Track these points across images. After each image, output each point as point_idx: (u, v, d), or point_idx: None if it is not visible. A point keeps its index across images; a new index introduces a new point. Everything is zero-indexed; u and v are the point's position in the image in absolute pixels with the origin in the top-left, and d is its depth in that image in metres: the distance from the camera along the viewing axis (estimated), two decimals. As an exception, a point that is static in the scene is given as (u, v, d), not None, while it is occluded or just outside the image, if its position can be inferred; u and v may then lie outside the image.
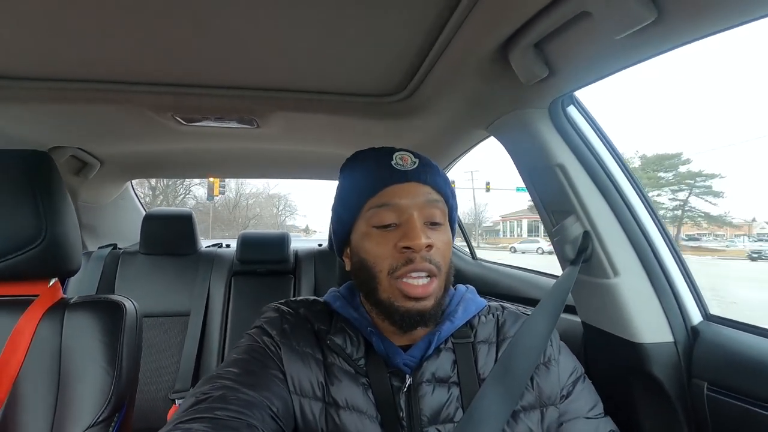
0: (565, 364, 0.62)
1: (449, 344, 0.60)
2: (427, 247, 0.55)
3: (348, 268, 0.64)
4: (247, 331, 0.63)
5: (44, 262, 0.76)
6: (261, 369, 0.55)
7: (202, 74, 0.83)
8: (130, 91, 0.88)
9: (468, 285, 0.69)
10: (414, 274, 0.55)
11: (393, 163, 0.60)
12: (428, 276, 0.55)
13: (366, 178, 0.60)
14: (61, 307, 0.79)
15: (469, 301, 0.65)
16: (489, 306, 0.67)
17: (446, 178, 0.64)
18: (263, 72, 0.83)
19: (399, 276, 0.55)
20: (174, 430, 0.44)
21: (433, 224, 0.59)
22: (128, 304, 0.84)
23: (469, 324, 0.63)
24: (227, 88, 0.88)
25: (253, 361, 0.56)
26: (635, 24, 0.46)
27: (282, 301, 0.67)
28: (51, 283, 0.82)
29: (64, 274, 0.82)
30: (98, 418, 0.72)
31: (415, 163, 0.60)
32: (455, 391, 0.57)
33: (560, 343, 0.64)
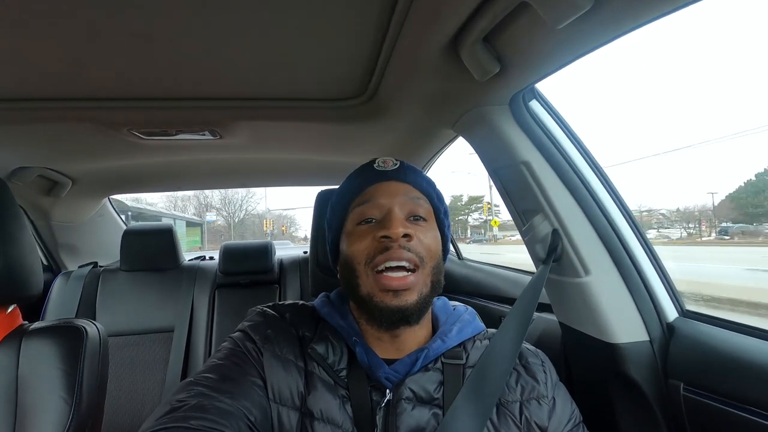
0: (563, 410, 0.57)
1: (438, 364, 0.57)
2: (405, 236, 0.54)
3: (338, 275, 0.63)
4: (230, 334, 0.61)
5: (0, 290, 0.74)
6: (240, 375, 0.53)
7: (155, 87, 0.81)
8: (85, 107, 0.86)
9: (468, 306, 0.67)
10: (392, 263, 0.53)
11: (375, 165, 0.62)
12: (408, 269, 0.54)
13: (350, 183, 0.63)
14: (18, 334, 0.76)
15: (466, 323, 0.62)
16: (486, 331, 0.64)
17: (430, 181, 0.63)
18: (218, 82, 0.80)
19: (376, 265, 0.54)
20: None
21: (416, 219, 0.58)
22: (90, 328, 0.81)
23: (463, 346, 0.60)
24: (182, 99, 0.86)
25: (233, 366, 0.54)
26: (573, 12, 0.43)
27: (270, 304, 0.65)
28: (9, 310, 0.80)
29: (23, 301, 0.80)
30: None
31: (396, 164, 0.62)
32: (438, 413, 0.54)
33: (556, 380, 0.60)
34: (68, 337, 0.77)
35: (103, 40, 0.62)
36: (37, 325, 0.79)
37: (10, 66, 0.69)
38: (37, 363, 0.74)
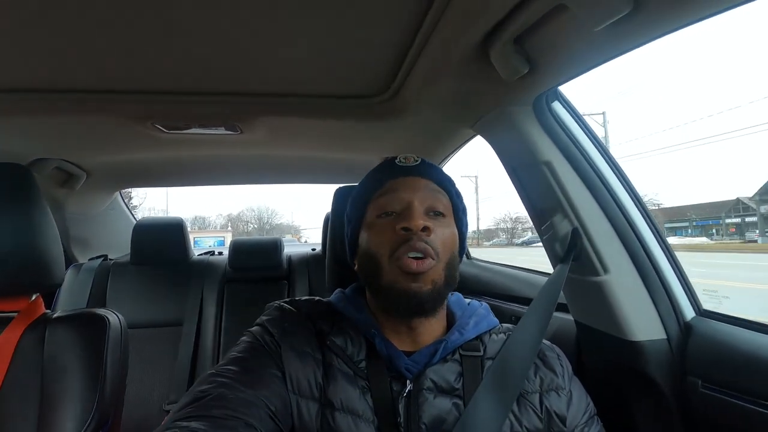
0: (579, 401, 0.59)
1: (456, 356, 0.58)
2: (424, 229, 0.55)
3: (356, 268, 0.64)
4: (248, 329, 0.62)
5: (25, 278, 0.74)
6: (260, 367, 0.54)
7: (180, 81, 0.82)
8: (108, 100, 0.87)
9: (482, 302, 0.68)
10: (411, 254, 0.54)
11: (397, 161, 0.63)
12: (424, 257, 0.55)
13: (372, 177, 0.65)
14: (42, 323, 0.77)
15: (482, 317, 0.64)
16: (501, 325, 0.66)
17: (450, 179, 0.65)
18: (243, 78, 0.81)
19: (398, 257, 0.55)
20: (172, 428, 0.44)
21: (436, 214, 0.59)
22: (112, 318, 0.82)
23: (480, 339, 0.62)
24: (206, 94, 0.87)
25: (252, 359, 0.56)
26: (612, 15, 0.44)
27: (286, 299, 0.66)
28: (33, 299, 0.81)
29: (46, 289, 0.80)
30: None
31: (417, 161, 0.63)
32: (459, 403, 0.55)
33: (572, 373, 0.62)
34: (92, 326, 0.78)
35: (128, 33, 0.63)
36: (60, 313, 0.80)
37: (34, 57, 0.70)
38: (62, 351, 0.75)
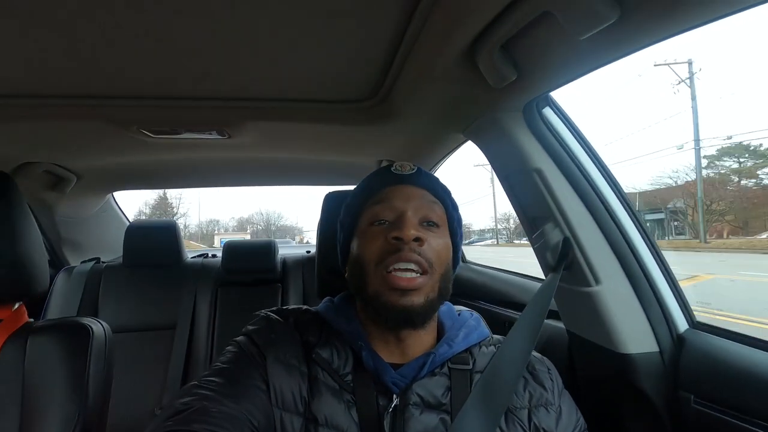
0: (568, 417, 0.58)
1: (445, 369, 0.57)
2: (416, 240, 0.53)
3: (346, 276, 0.62)
4: (234, 338, 0.61)
5: (6, 287, 0.73)
6: (244, 379, 0.53)
7: (166, 87, 0.80)
8: (94, 105, 0.85)
9: (473, 312, 0.67)
10: (401, 265, 0.53)
11: (392, 169, 0.62)
12: (417, 271, 0.53)
13: (366, 184, 0.63)
14: (24, 332, 0.75)
15: (472, 329, 0.62)
16: (491, 337, 0.64)
17: (446, 189, 0.63)
18: (230, 83, 0.80)
19: (386, 266, 0.53)
20: None
21: (430, 224, 0.58)
22: (96, 327, 0.81)
23: (469, 351, 0.60)
24: (193, 99, 0.85)
25: (236, 370, 0.54)
26: (598, 24, 0.43)
27: (273, 309, 0.65)
28: (15, 307, 0.79)
29: (29, 297, 0.79)
30: None
31: (413, 169, 0.62)
32: (446, 418, 0.54)
33: (562, 388, 0.60)
34: (75, 335, 0.77)
35: (115, 38, 0.62)
36: (43, 322, 0.79)
37: (21, 61, 0.69)
38: (44, 361, 0.73)
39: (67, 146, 1.14)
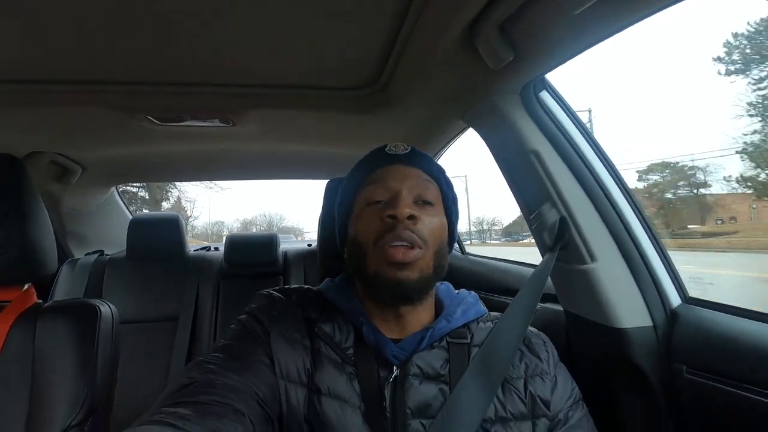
0: (563, 386, 0.59)
1: (443, 343, 0.59)
2: (410, 218, 0.55)
3: (345, 257, 0.64)
4: (237, 317, 0.62)
5: (16, 268, 0.75)
6: (248, 354, 0.55)
7: (172, 73, 0.82)
8: (102, 91, 0.87)
9: (471, 291, 0.68)
10: (396, 242, 0.54)
11: (387, 149, 0.63)
12: (411, 246, 0.55)
13: (361, 166, 0.64)
14: (33, 312, 0.77)
15: (470, 306, 0.64)
16: (489, 314, 0.66)
17: (440, 168, 0.64)
18: (233, 69, 0.82)
19: (383, 244, 0.55)
20: (158, 413, 0.44)
21: (425, 203, 0.59)
22: (104, 308, 0.82)
23: (467, 327, 0.62)
24: (198, 85, 0.87)
25: (240, 346, 0.56)
26: None
27: (275, 288, 0.66)
28: (24, 288, 0.81)
29: (38, 279, 0.81)
30: (71, 423, 0.70)
31: (407, 149, 0.63)
32: (445, 388, 0.56)
33: (557, 359, 0.62)
34: (83, 315, 0.78)
35: (121, 25, 0.63)
36: (51, 303, 0.80)
37: (29, 47, 0.70)
38: (52, 340, 0.75)
39: (73, 135, 1.16)
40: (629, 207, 0.76)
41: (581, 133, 0.78)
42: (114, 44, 0.70)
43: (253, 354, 0.55)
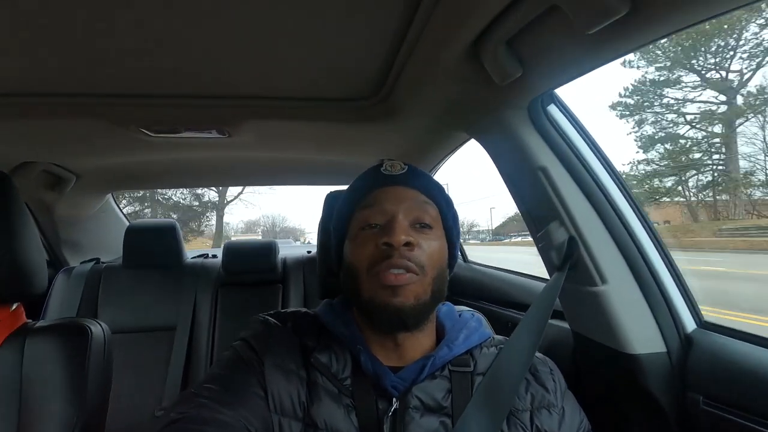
0: (571, 418, 0.57)
1: (446, 371, 0.56)
2: (406, 245, 0.52)
3: (341, 281, 0.61)
4: (232, 343, 0.60)
5: (4, 287, 0.72)
6: (241, 386, 0.53)
7: (165, 85, 0.79)
8: (93, 104, 0.85)
9: (474, 312, 0.66)
10: (393, 271, 0.52)
11: (382, 169, 0.60)
12: (406, 271, 0.52)
13: (356, 186, 0.62)
14: (22, 334, 0.75)
15: (473, 330, 0.61)
16: (493, 338, 0.63)
17: (439, 186, 0.62)
18: (229, 81, 0.79)
19: (377, 272, 0.52)
20: None
21: (423, 227, 0.56)
22: (95, 328, 0.80)
23: (470, 353, 0.60)
24: (192, 97, 0.85)
25: (234, 377, 0.54)
26: (607, 18, 0.42)
27: (271, 312, 0.64)
28: (13, 308, 0.78)
29: (27, 298, 0.78)
30: None
31: (404, 168, 0.60)
32: (447, 421, 0.53)
33: (565, 388, 0.59)
34: (73, 336, 0.76)
35: (114, 36, 0.61)
36: (41, 323, 0.78)
37: (20, 60, 0.68)
38: (41, 363, 0.72)
39: (66, 145, 1.13)
40: (641, 226, 0.73)
41: (591, 148, 0.75)
42: (106, 57, 0.67)
43: (246, 385, 0.53)
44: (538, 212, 0.80)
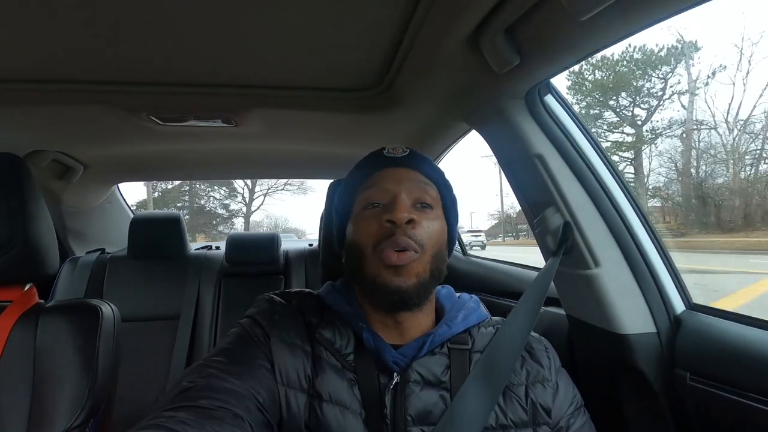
0: (565, 393, 0.59)
1: (444, 349, 0.59)
2: (409, 222, 0.54)
3: (343, 260, 0.63)
4: (238, 320, 0.62)
5: (18, 267, 0.75)
6: (249, 359, 0.54)
7: (175, 72, 0.82)
8: (105, 91, 0.87)
9: (473, 295, 0.68)
10: (396, 249, 0.54)
11: (385, 152, 0.63)
12: (407, 249, 0.54)
13: (359, 168, 0.64)
14: (35, 312, 0.77)
15: (471, 311, 0.63)
16: (490, 318, 0.65)
17: (439, 170, 0.64)
18: (236, 69, 0.81)
19: (381, 250, 0.54)
20: (158, 417, 0.44)
21: (423, 206, 0.59)
22: (105, 308, 0.82)
23: (468, 332, 0.61)
24: (201, 85, 0.87)
25: (241, 350, 0.55)
26: (599, 3, 0.44)
27: (276, 291, 0.66)
28: (26, 288, 0.81)
29: (39, 279, 0.81)
30: (72, 424, 0.70)
31: (406, 152, 0.63)
32: (446, 395, 0.55)
33: (559, 365, 0.62)
34: (85, 316, 0.78)
35: (124, 24, 0.63)
36: (53, 303, 0.80)
37: (32, 46, 0.70)
38: (54, 340, 0.75)
39: (75, 134, 1.15)
40: (633, 212, 0.76)
41: (586, 137, 0.77)
42: (117, 44, 0.69)
43: (253, 358, 0.55)
44: (534, 199, 0.83)
